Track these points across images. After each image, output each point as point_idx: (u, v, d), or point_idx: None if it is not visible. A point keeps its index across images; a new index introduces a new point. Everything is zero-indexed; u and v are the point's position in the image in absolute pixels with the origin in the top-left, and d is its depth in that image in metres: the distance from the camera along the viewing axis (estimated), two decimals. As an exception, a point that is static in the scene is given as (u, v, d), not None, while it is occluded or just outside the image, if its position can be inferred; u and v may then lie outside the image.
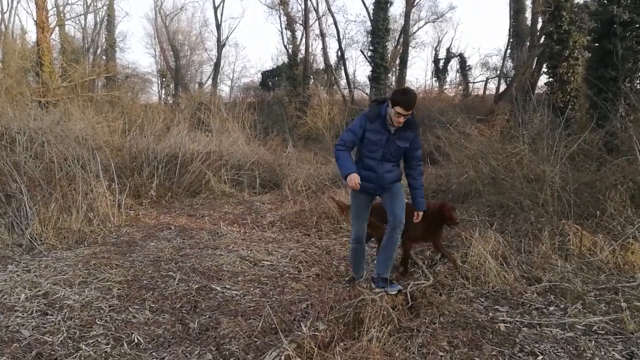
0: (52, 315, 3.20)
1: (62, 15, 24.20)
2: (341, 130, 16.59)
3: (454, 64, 30.17)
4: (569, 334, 3.08)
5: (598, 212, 5.54)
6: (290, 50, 25.28)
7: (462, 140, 8.44)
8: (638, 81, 13.02)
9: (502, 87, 23.92)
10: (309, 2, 24.47)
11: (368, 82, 24.00)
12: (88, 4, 27.28)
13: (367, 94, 24.54)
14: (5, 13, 26.07)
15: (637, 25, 12.03)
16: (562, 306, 3.54)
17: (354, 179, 3.34)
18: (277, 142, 13.87)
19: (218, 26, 29.22)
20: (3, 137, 7.02)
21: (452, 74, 30.37)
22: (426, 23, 30.16)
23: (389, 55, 23.48)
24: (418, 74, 49.63)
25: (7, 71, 16.32)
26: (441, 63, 30.46)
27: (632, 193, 5.75)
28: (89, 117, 10.43)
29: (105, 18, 27.37)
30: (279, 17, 26.22)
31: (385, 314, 2.86)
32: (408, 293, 3.28)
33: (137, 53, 65.38)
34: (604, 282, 4.05)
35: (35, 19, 15.62)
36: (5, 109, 8.39)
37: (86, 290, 3.62)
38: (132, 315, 3.29)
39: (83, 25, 28.39)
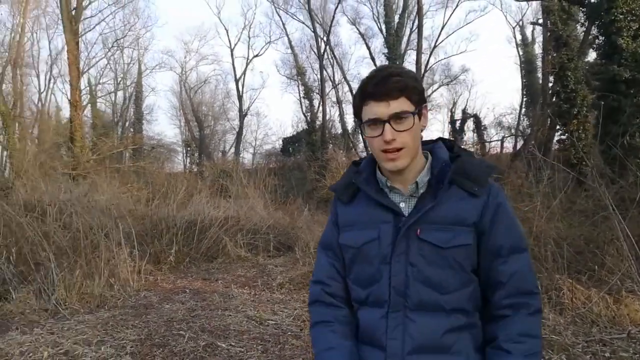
0: (70, 371, 3.53)
1: (94, 93, 26.00)
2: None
3: (470, 124, 30.88)
4: (549, 383, 3.25)
5: (596, 266, 5.69)
6: (308, 118, 26.43)
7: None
8: (648, 136, 13.28)
9: (520, 145, 24.31)
10: (324, 72, 25.78)
11: (385, 145, 24.63)
12: (118, 82, 29.28)
13: (384, 156, 25.11)
14: (42, 93, 28.11)
15: (640, 83, 12.42)
16: (547, 357, 3.69)
17: None
18: (296, 206, 14.31)
19: (240, 97, 30.81)
20: (35, 209, 7.60)
21: (469, 134, 30.97)
22: (440, 86, 31.23)
23: (404, 118, 24.25)
24: (435, 135, 50.15)
25: (42, 147, 17.52)
26: (457, 124, 31.15)
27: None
28: (115, 187, 11.10)
29: (133, 94, 29.20)
30: (297, 86, 27.66)
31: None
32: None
33: (163, 124, 68.67)
34: (595, 335, 4.19)
35: (69, 98, 16.94)
36: (38, 183, 9.09)
37: (102, 348, 3.95)
38: (143, 370, 3.59)
39: (113, 101, 30.28)
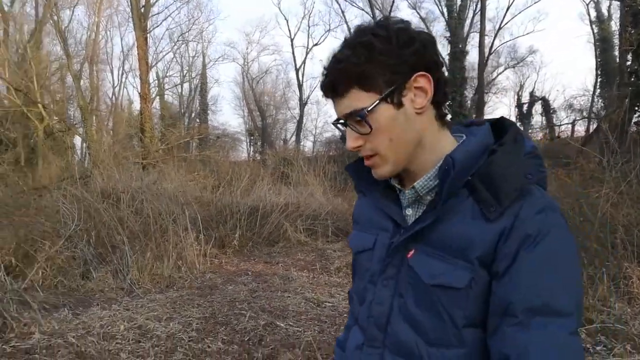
0: (143, 343, 3.84)
1: (162, 86, 27.20)
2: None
3: (538, 107, 29.55)
4: (610, 371, 3.16)
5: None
6: (368, 104, 26.26)
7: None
8: None
9: (593, 128, 23.02)
10: (384, 58, 25.43)
11: (448, 131, 24.09)
12: (184, 75, 30.45)
13: (447, 142, 24.58)
14: (116, 87, 29.77)
15: None
16: (610, 346, 3.58)
17: None
18: (354, 192, 14.35)
19: (300, 86, 31.18)
20: (111, 196, 8.15)
21: (537, 118, 29.68)
22: (506, 69, 30.09)
23: (468, 103, 23.62)
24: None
25: (115, 138, 18.63)
26: (525, 107, 29.93)
27: None
28: (182, 176, 11.65)
29: (199, 85, 30.30)
30: (357, 73, 27.52)
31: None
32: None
33: (227, 115, 70.70)
34: (666, 325, 4.00)
35: (139, 92, 17.88)
36: (113, 172, 9.72)
37: (171, 324, 4.25)
38: (207, 345, 3.84)
39: (179, 93, 31.56)
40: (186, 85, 31.85)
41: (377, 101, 0.88)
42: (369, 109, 0.88)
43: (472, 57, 25.64)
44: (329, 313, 4.69)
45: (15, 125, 17.85)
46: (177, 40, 28.10)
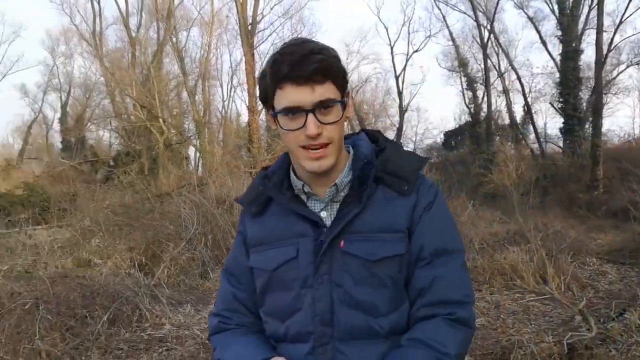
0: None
1: (268, 98, 28.52)
2: (531, 189, 15.36)
3: (667, 107, 26.64)
4: None
5: None
6: (472, 110, 25.43)
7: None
8: None
9: None
10: (488, 61, 24.51)
11: (560, 135, 22.55)
12: (288, 87, 31.64)
13: (560, 147, 23.03)
14: (225, 101, 31.71)
15: None
16: None
17: None
18: (460, 201, 13.97)
19: (400, 93, 30.90)
20: (225, 202, 8.75)
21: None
22: (628, 66, 27.43)
23: (583, 105, 21.93)
24: (623, 121, 44.50)
25: (226, 148, 19.86)
26: (651, 108, 27.17)
27: None
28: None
29: (302, 97, 31.31)
30: (459, 78, 26.79)
31: None
32: (565, 343, 3.33)
33: (328, 124, 71.72)
34: None
35: (247, 105, 18.94)
36: (225, 180, 10.41)
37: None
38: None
39: (284, 105, 32.83)
40: (289, 97, 32.94)
41: (343, 98, 1.08)
42: (343, 100, 1.08)
43: (588, 55, 23.75)
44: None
45: (140, 139, 19.80)
46: (281, 54, 29.24)
